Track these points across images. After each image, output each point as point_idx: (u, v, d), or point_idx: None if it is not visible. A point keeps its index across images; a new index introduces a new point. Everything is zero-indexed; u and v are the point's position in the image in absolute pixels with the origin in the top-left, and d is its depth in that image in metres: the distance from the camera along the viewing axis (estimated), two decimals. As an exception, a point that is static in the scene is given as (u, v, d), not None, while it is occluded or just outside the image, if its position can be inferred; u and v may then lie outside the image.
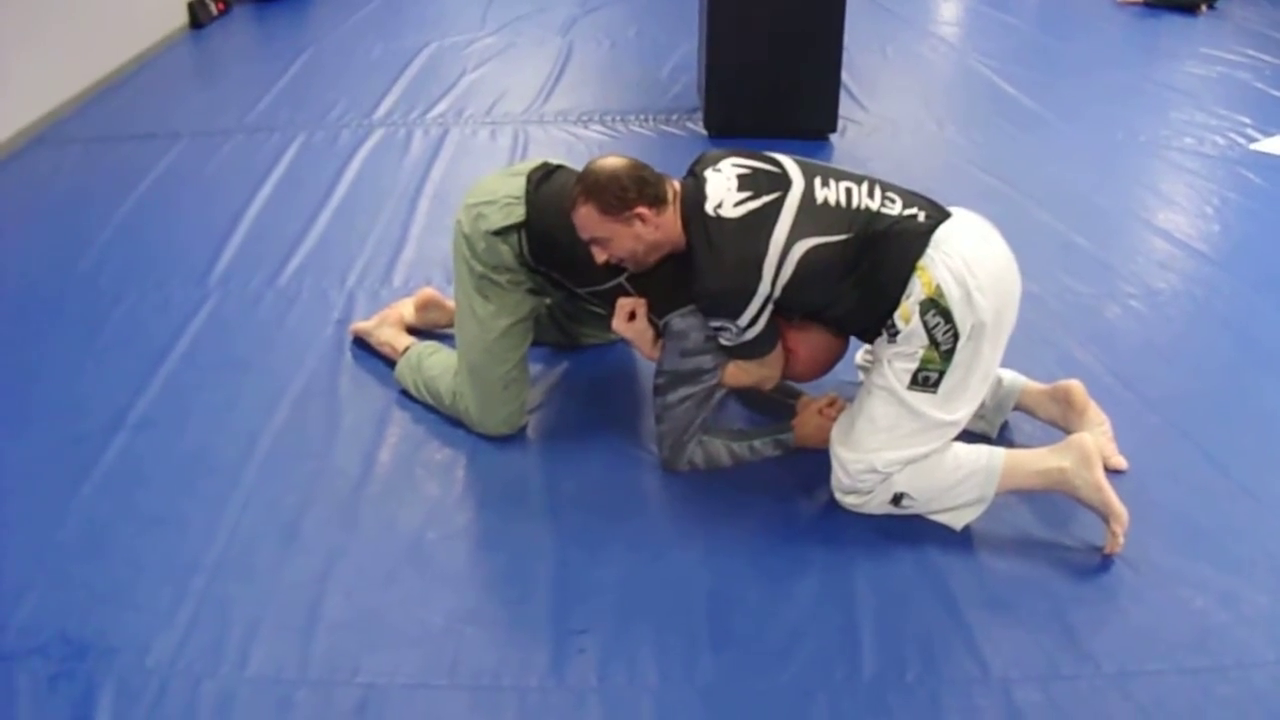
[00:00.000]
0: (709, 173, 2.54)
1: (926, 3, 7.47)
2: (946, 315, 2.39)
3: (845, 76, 5.08)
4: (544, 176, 2.80)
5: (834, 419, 2.69)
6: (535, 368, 3.06)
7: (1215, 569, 2.44)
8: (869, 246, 2.45)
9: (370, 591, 2.40)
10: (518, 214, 2.73)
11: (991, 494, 2.50)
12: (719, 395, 2.88)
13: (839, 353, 2.72)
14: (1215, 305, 3.55)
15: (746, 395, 3.01)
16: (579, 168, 2.65)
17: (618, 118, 5.19)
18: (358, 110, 5.30)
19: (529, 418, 2.94)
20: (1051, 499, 2.58)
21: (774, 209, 2.45)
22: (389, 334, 3.19)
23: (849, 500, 2.57)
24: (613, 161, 2.54)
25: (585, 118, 5.19)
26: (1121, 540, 2.45)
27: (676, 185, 2.58)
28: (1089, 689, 2.14)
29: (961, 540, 2.53)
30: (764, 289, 2.44)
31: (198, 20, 6.84)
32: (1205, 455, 2.81)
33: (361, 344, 3.26)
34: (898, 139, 4.98)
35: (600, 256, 2.56)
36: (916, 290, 2.40)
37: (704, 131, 5.06)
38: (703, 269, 2.47)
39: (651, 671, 2.20)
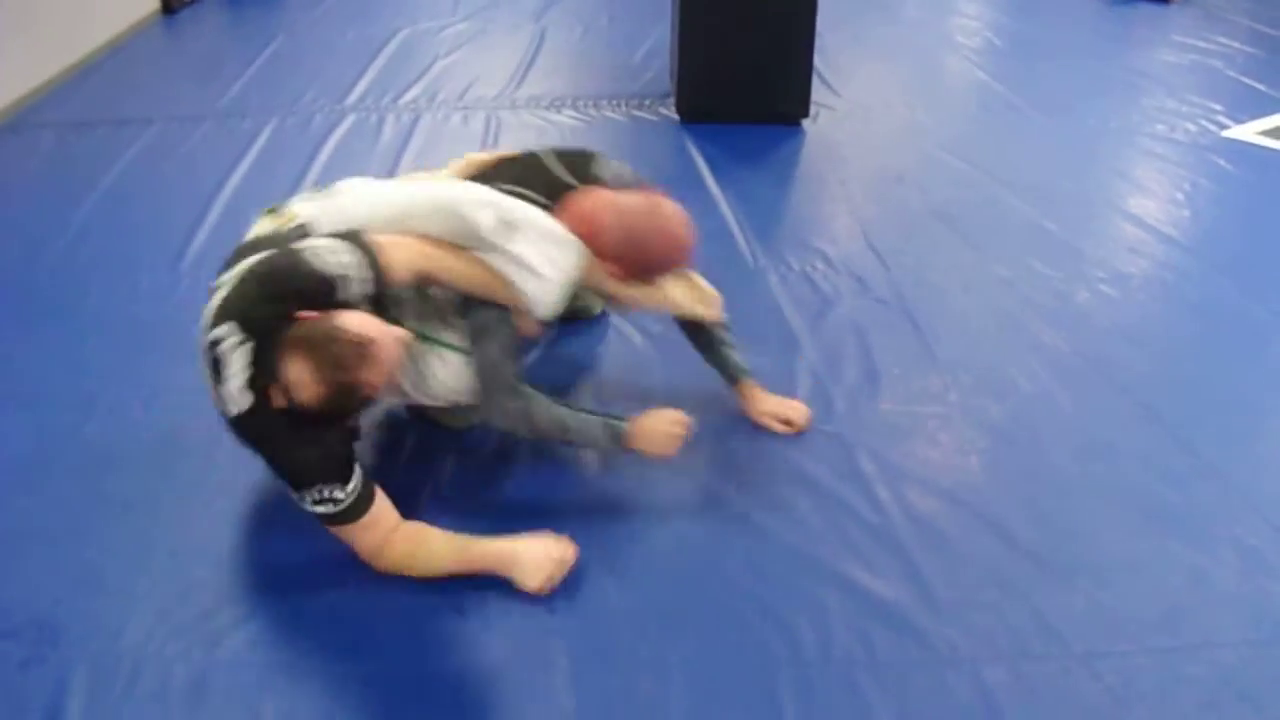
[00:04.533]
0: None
1: (900, -11, 7.48)
2: None
3: (818, 62, 5.09)
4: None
5: (680, 437, 2.58)
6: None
7: (1184, 549, 2.46)
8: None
9: (346, 572, 2.40)
10: None
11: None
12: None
13: None
14: (1185, 290, 3.58)
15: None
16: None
17: (590, 103, 5.19)
18: (330, 95, 5.27)
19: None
20: (1036, 486, 2.61)
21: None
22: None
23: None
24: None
25: (558, 103, 5.18)
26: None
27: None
28: (1058, 669, 2.16)
29: (927, 521, 2.54)
30: None
31: (170, 6, 6.79)
32: (1174, 437, 2.84)
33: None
34: (870, 124, 4.99)
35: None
36: None
37: (676, 117, 5.06)
38: None
39: (621, 654, 2.20)
